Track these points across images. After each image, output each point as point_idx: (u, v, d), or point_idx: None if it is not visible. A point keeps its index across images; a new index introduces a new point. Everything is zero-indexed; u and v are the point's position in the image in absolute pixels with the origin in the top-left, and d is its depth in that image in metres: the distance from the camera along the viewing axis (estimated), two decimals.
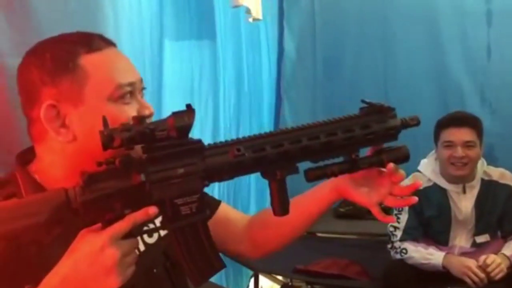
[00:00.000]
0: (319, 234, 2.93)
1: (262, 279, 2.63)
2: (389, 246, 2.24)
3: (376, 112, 0.89)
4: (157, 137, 0.76)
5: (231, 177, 0.84)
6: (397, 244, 2.20)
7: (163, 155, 0.78)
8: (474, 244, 2.22)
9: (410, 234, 2.21)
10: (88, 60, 0.87)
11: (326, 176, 0.90)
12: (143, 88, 0.94)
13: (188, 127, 0.78)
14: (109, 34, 1.36)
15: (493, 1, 3.08)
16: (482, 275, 2.06)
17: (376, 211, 0.95)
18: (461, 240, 2.23)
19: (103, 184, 0.76)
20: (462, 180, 2.17)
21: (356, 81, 3.30)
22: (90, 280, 0.73)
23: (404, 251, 2.17)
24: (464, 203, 2.20)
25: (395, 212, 2.22)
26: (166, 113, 1.82)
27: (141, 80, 0.93)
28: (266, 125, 3.24)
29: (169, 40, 1.81)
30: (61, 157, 0.88)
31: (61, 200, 0.75)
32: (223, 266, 0.87)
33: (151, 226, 0.93)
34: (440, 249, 2.21)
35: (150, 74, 1.68)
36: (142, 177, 0.77)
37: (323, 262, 2.42)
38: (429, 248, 2.17)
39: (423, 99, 3.17)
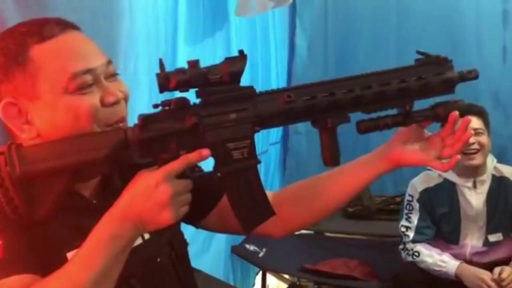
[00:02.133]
0: (328, 234, 2.91)
1: (269, 278, 2.63)
2: (400, 247, 2.19)
3: (432, 63, 0.87)
4: (211, 81, 0.78)
5: (281, 124, 0.85)
6: (409, 246, 2.15)
7: (216, 100, 0.79)
8: (487, 243, 2.15)
9: (422, 234, 2.16)
10: (38, 51, 0.82)
11: (379, 128, 0.87)
12: (114, 74, 0.88)
13: (240, 73, 0.79)
14: (125, 26, 1.36)
15: (509, 1, 3.04)
16: None
17: (437, 165, 0.89)
18: (472, 238, 2.16)
19: (159, 125, 0.79)
20: (473, 174, 2.12)
21: None
22: (145, 214, 0.77)
23: (416, 253, 2.13)
24: (475, 199, 2.14)
25: (405, 211, 2.19)
26: None
27: (107, 64, 0.87)
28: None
29: (183, 33, 1.79)
30: None
31: (120, 138, 0.79)
32: (273, 213, 0.86)
33: None
34: (451, 248, 2.16)
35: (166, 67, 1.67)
36: (196, 119, 0.78)
37: (332, 262, 2.40)
38: (444, 255, 2.12)
39: (436, 98, 3.13)
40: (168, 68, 1.77)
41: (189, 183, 0.80)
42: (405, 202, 2.21)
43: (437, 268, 2.09)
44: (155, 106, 0.80)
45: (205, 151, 0.79)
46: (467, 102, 0.88)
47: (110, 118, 0.84)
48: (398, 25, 3.22)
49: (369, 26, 3.27)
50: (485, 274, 2.03)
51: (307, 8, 3.38)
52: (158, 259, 0.93)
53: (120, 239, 0.77)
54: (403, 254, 2.17)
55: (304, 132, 3.31)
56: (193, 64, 0.78)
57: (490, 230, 2.15)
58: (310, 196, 0.99)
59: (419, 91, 0.85)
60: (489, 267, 2.09)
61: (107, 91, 0.85)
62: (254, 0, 2.05)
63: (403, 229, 2.19)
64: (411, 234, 2.16)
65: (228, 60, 0.79)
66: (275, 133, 3.22)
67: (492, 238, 2.15)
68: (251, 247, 2.40)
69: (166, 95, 0.81)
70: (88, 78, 0.83)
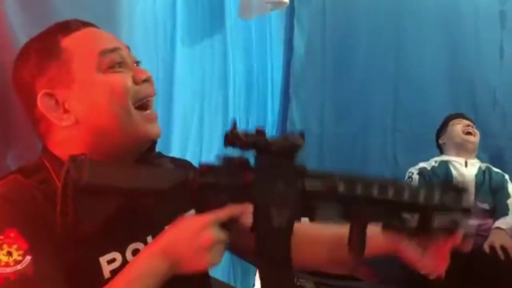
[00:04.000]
0: None
1: None
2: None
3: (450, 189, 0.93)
4: (271, 150, 0.84)
5: (322, 204, 0.89)
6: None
7: (272, 167, 0.86)
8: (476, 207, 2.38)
9: None
10: (68, 41, 0.89)
11: (402, 232, 0.94)
12: (137, 62, 0.96)
13: (298, 149, 0.86)
14: (123, 31, 1.37)
15: (507, 2, 3.06)
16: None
17: (422, 268, 0.95)
18: None
19: (218, 176, 0.85)
20: (467, 154, 2.61)
21: (366, 81, 3.27)
22: (185, 255, 0.80)
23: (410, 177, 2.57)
24: (466, 171, 2.57)
25: (407, 177, 2.61)
26: (177, 108, 1.81)
27: (129, 50, 0.95)
28: (273, 124, 3.23)
29: (181, 36, 1.80)
30: (73, 145, 0.88)
31: (182, 178, 0.84)
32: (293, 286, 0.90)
33: None
34: None
35: (163, 70, 1.69)
36: (252, 179, 0.84)
37: None
38: None
39: (434, 99, 3.15)
40: (166, 69, 1.78)
41: (227, 235, 0.84)
42: (406, 180, 2.58)
43: None
44: (219, 157, 0.86)
45: (249, 207, 0.84)
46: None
47: (140, 93, 0.91)
48: (396, 26, 3.23)
49: (367, 27, 3.27)
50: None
51: (305, 9, 3.38)
52: None
53: (155, 277, 0.80)
54: None
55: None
56: (261, 131, 0.85)
57: (477, 200, 2.46)
58: (324, 251, 1.05)
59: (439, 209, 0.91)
60: (479, 232, 2.33)
61: (137, 70, 0.93)
62: (255, 2, 2.07)
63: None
64: None
65: (289, 135, 0.87)
66: None
67: (480, 205, 2.45)
68: None
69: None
70: (116, 57, 0.90)
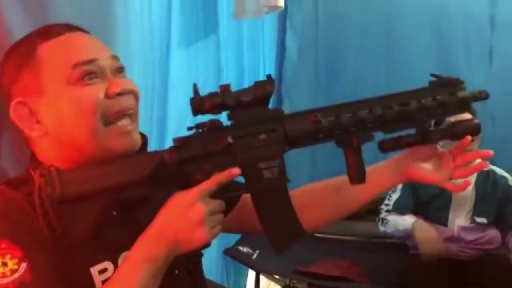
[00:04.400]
0: (318, 235, 2.93)
1: (262, 280, 2.63)
2: (376, 219, 2.34)
3: (446, 85, 0.91)
4: (242, 104, 0.82)
5: (309, 143, 0.88)
6: (383, 215, 2.30)
7: (247, 121, 0.83)
8: (473, 222, 2.27)
9: (397, 208, 2.29)
10: (44, 48, 0.85)
11: (400, 146, 0.93)
12: (120, 68, 0.90)
13: (269, 95, 0.84)
14: (120, 34, 1.37)
15: (497, 6, 3.08)
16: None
17: (450, 186, 0.96)
18: (460, 220, 2.28)
19: (194, 146, 0.82)
20: None
21: (358, 83, 3.28)
22: (180, 234, 0.79)
23: (386, 221, 2.27)
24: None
25: (389, 192, 2.32)
26: (171, 109, 1.81)
27: (112, 58, 0.89)
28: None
29: (176, 39, 1.81)
30: (51, 154, 0.87)
31: (158, 160, 0.82)
32: (304, 232, 0.89)
33: None
34: (439, 229, 2.25)
35: (159, 72, 1.69)
36: (229, 139, 0.81)
37: (325, 263, 2.42)
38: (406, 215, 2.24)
39: None
40: (162, 71, 1.79)
41: (222, 203, 0.83)
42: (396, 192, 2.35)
43: (398, 230, 2.22)
44: (189, 128, 0.85)
45: (235, 170, 0.82)
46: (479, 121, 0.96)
47: (111, 108, 0.85)
48: (387, 29, 3.23)
49: (359, 29, 3.27)
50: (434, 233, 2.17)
51: (298, 11, 3.39)
52: (176, 271, 0.94)
53: (155, 261, 0.79)
54: (379, 225, 2.31)
55: None
56: (225, 88, 0.83)
57: (476, 213, 2.27)
58: (319, 204, 1.04)
59: (436, 110, 0.90)
60: (472, 255, 2.24)
61: (112, 82, 0.86)
62: (250, 4, 2.07)
63: (383, 206, 2.32)
64: (389, 209, 2.29)
65: (258, 83, 0.84)
66: None
67: (478, 219, 2.27)
68: (245, 249, 2.41)
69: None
70: (90, 68, 0.84)
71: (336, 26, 3.33)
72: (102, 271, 0.85)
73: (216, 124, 0.84)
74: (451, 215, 2.28)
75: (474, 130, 0.93)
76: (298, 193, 1.02)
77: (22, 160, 1.02)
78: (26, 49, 0.86)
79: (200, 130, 0.84)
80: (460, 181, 0.99)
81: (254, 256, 2.39)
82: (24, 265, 0.76)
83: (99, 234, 0.82)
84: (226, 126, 0.85)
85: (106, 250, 0.85)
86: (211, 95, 0.82)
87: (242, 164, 0.83)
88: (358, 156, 0.89)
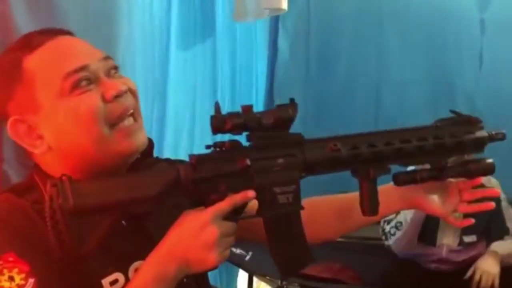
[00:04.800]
0: None
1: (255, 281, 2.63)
2: (383, 239, 2.29)
3: (464, 122, 0.92)
4: (263, 126, 0.80)
5: (326, 171, 0.87)
6: (387, 228, 2.27)
7: (266, 144, 0.82)
8: (462, 243, 2.27)
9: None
10: (30, 61, 0.82)
11: (415, 181, 0.92)
12: (115, 67, 0.87)
13: (291, 120, 0.82)
14: (124, 33, 1.35)
15: (487, 10, 3.12)
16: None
17: (452, 220, 0.97)
18: (448, 239, 2.28)
19: (211, 166, 0.80)
20: None
21: (348, 83, 3.30)
22: (191, 255, 0.77)
23: (398, 224, 2.23)
24: None
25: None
26: (170, 107, 1.81)
27: (104, 59, 0.85)
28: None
29: (175, 39, 1.79)
30: (56, 168, 0.84)
31: (172, 177, 0.80)
32: (312, 260, 0.87)
33: None
34: (428, 249, 2.27)
35: (159, 73, 1.67)
36: (248, 161, 0.80)
37: (318, 265, 2.42)
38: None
39: (414, 103, 3.19)
40: (162, 71, 1.77)
41: (234, 225, 0.81)
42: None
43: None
44: (208, 147, 0.82)
45: (251, 193, 0.80)
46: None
47: (113, 112, 0.83)
48: (379, 31, 3.25)
49: (350, 31, 3.28)
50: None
51: (290, 10, 3.38)
52: (184, 280, 0.92)
53: (164, 280, 0.78)
54: (390, 241, 2.25)
55: None
56: (247, 109, 0.81)
57: (465, 232, 2.26)
58: (334, 219, 1.04)
59: (453, 148, 0.90)
60: (463, 265, 2.23)
61: (108, 86, 0.83)
62: (251, 6, 2.05)
63: (382, 223, 2.29)
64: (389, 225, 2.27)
65: (280, 107, 0.82)
66: None
67: (467, 239, 2.27)
68: (238, 250, 2.39)
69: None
70: (82, 75, 0.81)
71: (328, 27, 3.34)
72: (113, 283, 0.83)
73: (235, 144, 0.82)
74: (439, 235, 2.28)
75: (489, 170, 0.93)
76: (309, 204, 0.99)
77: (26, 162, 0.99)
78: (10, 64, 0.83)
79: (218, 149, 0.83)
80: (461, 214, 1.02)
81: (247, 257, 2.38)
82: (31, 281, 0.74)
83: (108, 244, 0.80)
84: (245, 147, 0.83)
85: (116, 261, 0.83)
86: (233, 115, 0.80)
87: (257, 187, 0.81)
88: (373, 188, 0.88)
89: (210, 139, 2.11)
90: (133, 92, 0.87)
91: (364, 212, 0.89)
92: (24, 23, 0.99)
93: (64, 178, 0.75)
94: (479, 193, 0.97)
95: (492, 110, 3.11)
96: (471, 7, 3.14)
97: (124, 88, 0.85)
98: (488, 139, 0.92)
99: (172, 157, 1.69)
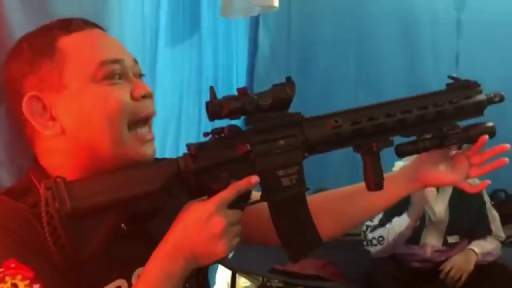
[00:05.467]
0: None
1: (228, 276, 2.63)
2: (364, 243, 2.32)
3: (463, 88, 0.90)
4: (261, 108, 0.77)
5: (329, 149, 0.85)
6: (369, 236, 2.29)
7: (266, 126, 0.79)
8: (445, 243, 2.33)
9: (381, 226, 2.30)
10: (67, 41, 0.81)
11: (418, 151, 0.91)
12: (141, 75, 0.87)
13: (290, 99, 0.80)
14: (115, 33, 1.34)
15: (464, 10, 3.19)
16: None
17: (467, 186, 0.93)
18: (432, 239, 2.33)
19: (211, 154, 0.78)
20: None
21: (328, 80, 3.33)
22: (199, 248, 0.75)
23: (380, 238, 2.25)
24: (438, 206, 2.32)
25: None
26: (157, 105, 1.80)
27: (134, 62, 0.86)
28: (237, 122, 3.21)
29: (164, 38, 1.78)
30: (60, 157, 0.81)
31: (173, 169, 0.77)
32: (320, 241, 0.85)
33: None
34: (412, 248, 2.32)
35: (148, 73, 1.66)
36: (248, 146, 0.78)
37: (301, 262, 2.44)
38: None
39: None
40: (151, 71, 1.76)
41: (240, 213, 0.79)
42: None
43: (398, 234, 2.20)
44: (206, 134, 0.80)
45: (254, 178, 0.78)
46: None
47: (139, 112, 0.82)
48: (358, 28, 3.30)
49: (330, 27, 3.31)
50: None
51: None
52: (187, 285, 0.90)
53: (172, 277, 0.75)
54: (370, 248, 2.30)
55: None
56: (243, 91, 0.78)
57: (449, 232, 2.32)
58: (332, 211, 1.00)
59: (454, 114, 0.89)
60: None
61: (137, 84, 0.83)
62: (239, 2, 2.04)
63: (364, 228, 2.32)
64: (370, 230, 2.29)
65: (277, 86, 0.80)
66: None
67: (451, 239, 2.33)
68: None
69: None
70: (117, 68, 0.81)
71: (308, 25, 3.36)
72: None
73: (234, 130, 0.80)
74: (423, 234, 2.32)
75: (490, 132, 0.92)
76: (310, 201, 0.97)
77: (20, 163, 0.97)
78: (45, 39, 0.81)
79: (216, 136, 0.80)
80: (477, 181, 0.98)
81: (230, 255, 2.38)
82: (36, 286, 0.71)
83: (110, 250, 0.78)
84: (244, 132, 0.81)
85: (118, 267, 0.81)
86: (229, 99, 0.77)
87: (260, 171, 0.79)
88: (377, 162, 0.86)
89: (195, 137, 2.11)
90: (152, 98, 0.87)
91: (369, 187, 0.87)
92: (18, 24, 0.97)
93: (58, 180, 0.72)
94: (488, 153, 0.92)
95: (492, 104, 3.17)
96: (447, 8, 3.21)
97: (150, 90, 0.84)
98: (487, 102, 0.91)
99: (159, 152, 1.69)
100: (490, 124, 0.93)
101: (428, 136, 0.91)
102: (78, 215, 0.71)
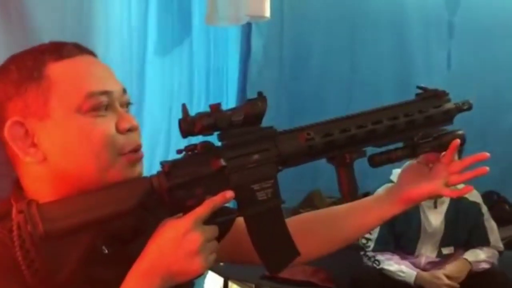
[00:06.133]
0: None
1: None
2: (362, 253, 2.32)
3: (431, 97, 0.92)
4: (234, 124, 0.78)
5: (302, 161, 0.85)
6: (370, 254, 2.29)
7: (239, 141, 0.80)
8: (440, 254, 2.34)
9: (382, 245, 2.28)
10: (55, 68, 0.79)
11: (391, 160, 0.92)
12: (129, 104, 0.86)
13: (262, 114, 0.80)
14: (100, 45, 1.32)
15: (456, 13, 3.17)
16: (452, 282, 2.22)
17: (447, 192, 0.94)
18: (427, 250, 2.34)
19: (185, 171, 0.78)
20: None
21: (321, 83, 3.32)
22: (175, 265, 0.74)
23: (376, 262, 2.26)
24: (434, 217, 2.32)
25: None
26: (147, 118, 1.78)
27: (123, 92, 0.84)
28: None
29: (153, 45, 1.76)
30: (40, 183, 0.81)
31: (146, 188, 0.77)
32: (298, 253, 0.86)
33: None
34: (407, 258, 2.31)
35: (136, 80, 1.64)
36: (222, 162, 0.78)
37: (291, 268, 2.44)
38: (402, 264, 2.25)
39: (385, 103, 3.22)
40: (139, 79, 1.74)
41: (216, 228, 0.78)
42: None
43: (397, 277, 2.22)
44: (179, 151, 0.79)
45: (229, 193, 0.78)
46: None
47: (125, 145, 0.81)
48: (351, 29, 3.28)
49: (323, 28, 3.30)
50: (439, 273, 2.24)
51: None
52: None
53: None
54: (364, 259, 2.30)
55: None
56: (216, 107, 0.78)
57: (444, 243, 2.33)
58: (323, 230, 1.01)
59: (423, 123, 0.90)
60: None
61: (123, 117, 0.82)
62: (225, 10, 2.01)
63: (363, 241, 2.31)
64: (371, 244, 2.27)
65: (250, 102, 0.80)
66: None
67: (445, 250, 2.34)
68: None
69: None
70: (104, 100, 0.80)
71: (301, 27, 3.35)
72: None
73: (207, 146, 0.80)
74: (419, 245, 2.33)
75: (461, 139, 0.93)
76: (294, 223, 0.96)
77: (2, 186, 0.95)
78: (33, 64, 0.79)
79: (190, 153, 0.80)
80: (460, 187, 0.99)
81: (222, 262, 2.37)
82: None
83: (91, 274, 0.77)
84: (218, 147, 0.81)
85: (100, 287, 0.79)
86: (202, 116, 0.77)
87: (235, 186, 0.79)
88: (351, 173, 0.87)
89: (186, 143, 2.10)
90: (139, 132, 0.86)
91: (344, 197, 0.89)
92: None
93: (30, 203, 0.72)
94: (468, 160, 0.94)
95: (460, 114, 3.17)
96: (440, 10, 3.19)
97: (136, 124, 0.83)
98: (456, 110, 0.93)
99: (149, 160, 1.67)
100: (460, 131, 0.94)
101: (400, 146, 0.93)
102: (52, 237, 0.71)
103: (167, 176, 0.77)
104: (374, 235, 2.29)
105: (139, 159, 0.84)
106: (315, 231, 1.02)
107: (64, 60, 0.80)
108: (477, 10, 3.14)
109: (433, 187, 0.94)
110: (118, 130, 0.81)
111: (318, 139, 0.83)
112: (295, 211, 3.02)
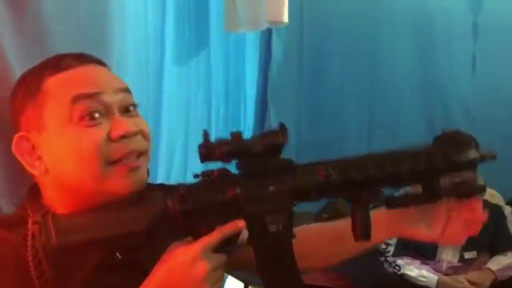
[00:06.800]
0: None
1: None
2: (382, 258, 2.29)
3: (456, 142, 0.89)
4: (252, 153, 0.78)
5: (318, 198, 0.84)
6: (390, 259, 2.27)
7: (256, 172, 0.79)
8: (462, 259, 2.28)
9: (401, 250, 2.25)
10: (51, 82, 0.81)
11: (407, 206, 0.91)
12: (133, 105, 0.85)
13: (281, 146, 0.79)
14: (116, 48, 1.33)
15: (480, 14, 3.12)
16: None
17: (444, 240, 0.95)
18: (448, 255, 2.29)
19: (200, 196, 0.78)
20: None
21: (341, 88, 3.29)
22: None
23: (397, 267, 2.23)
24: None
25: None
26: (164, 121, 1.79)
27: (123, 92, 0.84)
28: (248, 131, 3.19)
29: (170, 52, 1.78)
30: (51, 193, 0.83)
31: (160, 210, 0.77)
32: (302, 286, 0.84)
33: None
34: (428, 264, 2.26)
35: (153, 85, 1.65)
36: (238, 190, 0.77)
37: (311, 274, 2.42)
38: (423, 269, 2.22)
39: (407, 109, 3.20)
40: (156, 85, 1.75)
41: (224, 257, 0.78)
42: None
43: (418, 282, 2.17)
44: (196, 176, 0.79)
45: (240, 223, 0.77)
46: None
47: (113, 154, 0.81)
48: (372, 35, 3.24)
49: (343, 35, 3.27)
50: (461, 277, 2.21)
51: None
52: None
53: None
54: (385, 265, 2.26)
55: None
56: (236, 136, 0.78)
57: (466, 248, 2.27)
58: (326, 252, 1.02)
59: (445, 169, 0.88)
60: None
61: (116, 124, 0.81)
62: (245, 15, 2.01)
63: (383, 246, 2.27)
64: (391, 249, 2.24)
65: (271, 133, 0.80)
66: None
67: (468, 255, 2.29)
68: None
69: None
70: (92, 104, 0.80)
71: (321, 32, 3.32)
72: None
73: (224, 173, 0.79)
74: (439, 249, 2.30)
75: (479, 190, 0.91)
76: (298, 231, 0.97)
77: (18, 192, 0.98)
78: (33, 80, 0.82)
79: (206, 178, 0.80)
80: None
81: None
82: None
83: (100, 281, 0.78)
84: (234, 176, 0.80)
85: None
86: (222, 143, 0.77)
87: (247, 216, 0.78)
88: (365, 214, 0.85)
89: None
90: (145, 135, 0.86)
91: (356, 238, 0.86)
92: (16, 58, 0.97)
93: (46, 214, 0.73)
94: (465, 214, 0.92)
95: (485, 115, 3.12)
96: (463, 11, 3.15)
97: (133, 129, 0.82)
98: (480, 159, 0.90)
99: (166, 172, 1.65)
100: (481, 182, 0.91)
101: (418, 191, 0.90)
102: (64, 250, 0.72)
103: (182, 200, 0.77)
104: (394, 240, 2.26)
105: (135, 168, 0.83)
106: (317, 246, 1.03)
107: (61, 73, 0.82)
108: (501, 10, 3.08)
109: (431, 238, 0.94)
110: (110, 139, 0.80)
111: (336, 176, 0.82)
112: (318, 216, 3.00)
